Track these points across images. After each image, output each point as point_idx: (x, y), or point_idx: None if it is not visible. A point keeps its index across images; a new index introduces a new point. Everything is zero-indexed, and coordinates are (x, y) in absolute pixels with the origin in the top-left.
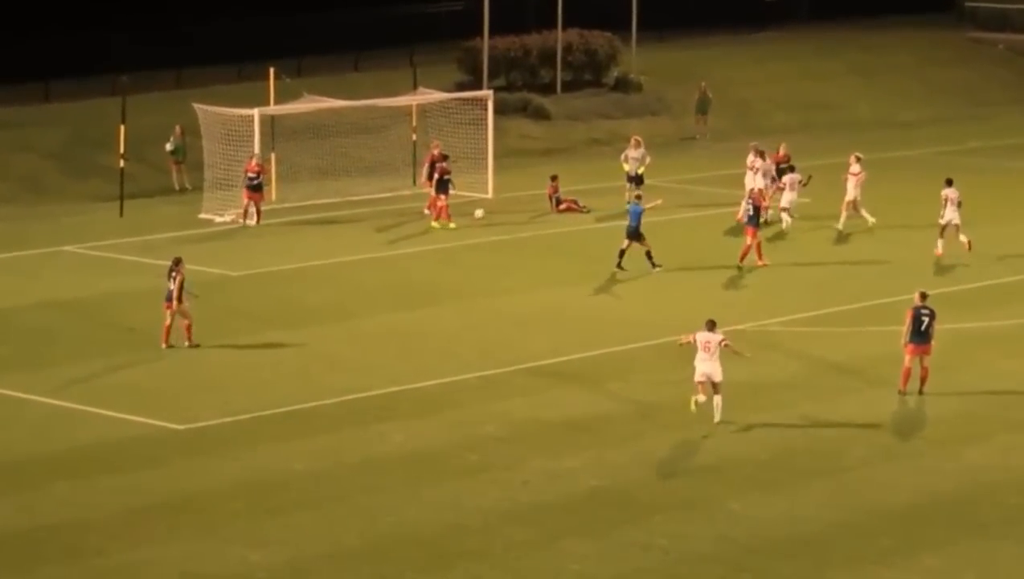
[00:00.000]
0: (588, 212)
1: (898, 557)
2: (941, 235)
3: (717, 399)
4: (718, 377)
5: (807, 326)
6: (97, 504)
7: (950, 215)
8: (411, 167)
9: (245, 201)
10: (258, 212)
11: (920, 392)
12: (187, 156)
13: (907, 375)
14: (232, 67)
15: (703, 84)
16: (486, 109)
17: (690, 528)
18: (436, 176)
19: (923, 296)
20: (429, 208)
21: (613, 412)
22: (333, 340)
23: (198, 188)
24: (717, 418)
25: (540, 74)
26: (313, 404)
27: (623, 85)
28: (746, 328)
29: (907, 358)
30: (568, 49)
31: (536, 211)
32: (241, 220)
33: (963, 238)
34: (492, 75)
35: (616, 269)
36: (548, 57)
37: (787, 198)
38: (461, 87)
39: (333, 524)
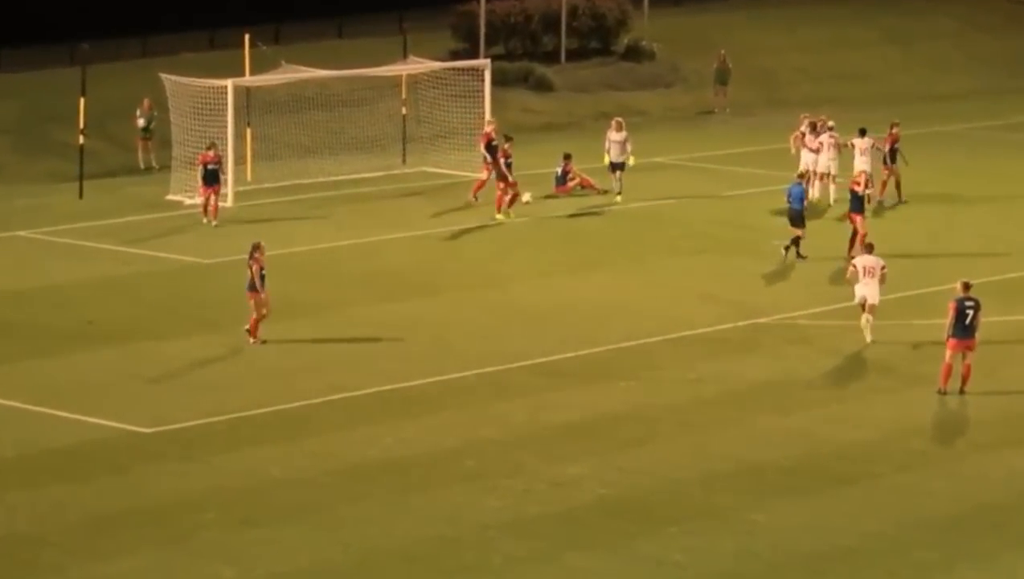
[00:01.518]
0: (606, 192)
1: (937, 572)
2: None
3: (870, 318)
4: (875, 300)
5: (838, 319)
6: (54, 515)
7: (862, 164)
8: (400, 143)
9: (203, 196)
10: (215, 207)
11: (961, 391)
12: (155, 132)
13: (948, 372)
14: (203, 34)
15: (722, 52)
16: (483, 80)
17: (708, 541)
18: (501, 160)
19: (966, 286)
20: (476, 193)
21: (623, 413)
22: (316, 334)
23: (166, 167)
24: (869, 338)
25: (542, 41)
26: (294, 404)
27: (634, 53)
28: (770, 321)
29: (948, 354)
30: (573, 14)
31: (539, 192)
32: (203, 217)
33: (869, 191)
34: (490, 43)
35: (783, 252)
36: (551, 23)
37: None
38: (455, 56)
39: (315, 537)
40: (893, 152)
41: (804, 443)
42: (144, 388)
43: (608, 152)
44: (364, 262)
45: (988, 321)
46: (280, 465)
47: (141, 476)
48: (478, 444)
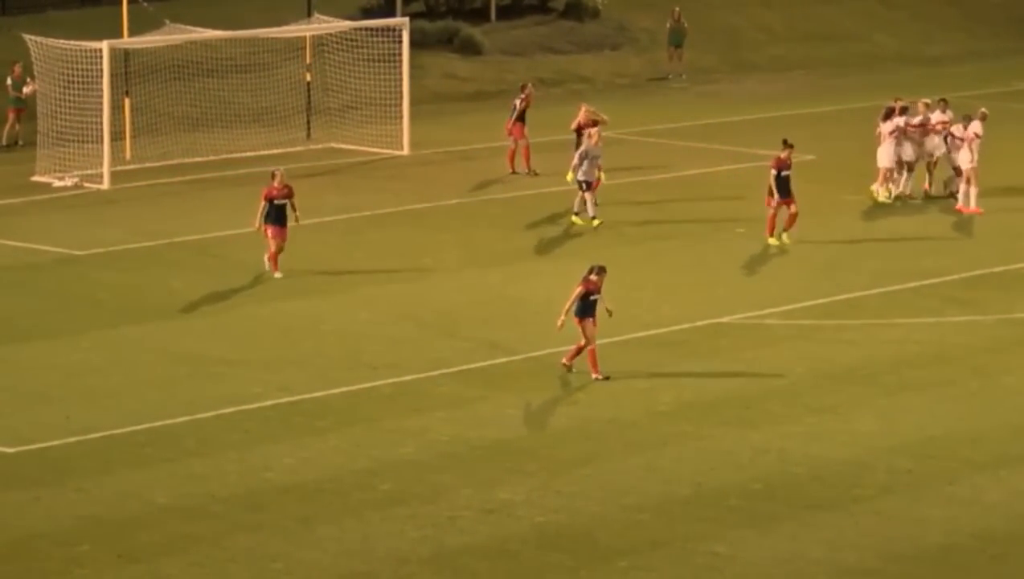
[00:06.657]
0: (536, 175)
1: None
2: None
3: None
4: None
5: (812, 318)
6: None
7: (965, 159)
8: (304, 115)
9: (271, 244)
10: (278, 252)
11: None
12: (28, 103)
13: None
14: None
15: (676, 10)
16: (400, 42)
17: (663, 577)
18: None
19: None
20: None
21: (563, 429)
22: (205, 336)
23: (31, 143)
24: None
25: None
26: (180, 419)
27: (575, 11)
28: (734, 320)
29: None
30: None
31: (465, 171)
32: (271, 269)
33: (973, 191)
34: None
35: None
36: None
37: None
38: (368, 14)
39: (205, 573)
40: None
41: (773, 462)
42: (6, 401)
43: (579, 167)
44: (261, 253)
45: (988, 320)
46: (164, 490)
47: (2, 504)
48: (394, 465)
